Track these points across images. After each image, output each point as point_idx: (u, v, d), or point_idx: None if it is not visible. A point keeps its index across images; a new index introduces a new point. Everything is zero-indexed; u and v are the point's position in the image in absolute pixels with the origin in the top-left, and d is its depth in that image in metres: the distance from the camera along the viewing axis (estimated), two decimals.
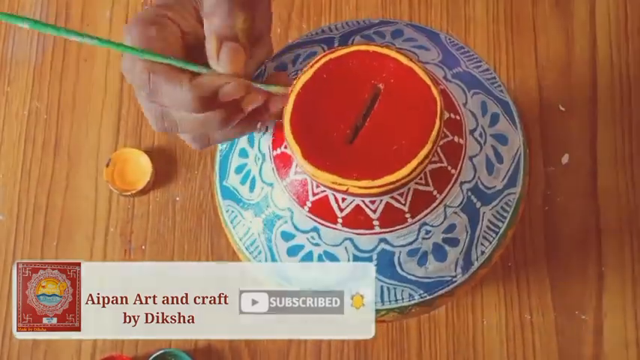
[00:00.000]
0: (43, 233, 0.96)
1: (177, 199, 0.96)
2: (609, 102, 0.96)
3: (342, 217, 0.62)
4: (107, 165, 0.95)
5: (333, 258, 0.64)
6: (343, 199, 0.61)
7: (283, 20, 0.99)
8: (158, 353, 0.91)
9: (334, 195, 0.61)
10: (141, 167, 0.96)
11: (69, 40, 0.99)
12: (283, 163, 0.63)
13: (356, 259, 0.64)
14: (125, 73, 0.59)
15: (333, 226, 0.62)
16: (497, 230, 0.67)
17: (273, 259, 0.67)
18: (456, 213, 0.64)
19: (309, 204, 0.62)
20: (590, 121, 0.96)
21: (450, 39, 0.71)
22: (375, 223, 0.62)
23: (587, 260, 0.93)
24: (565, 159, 0.95)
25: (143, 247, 0.95)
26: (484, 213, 0.66)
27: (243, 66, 0.58)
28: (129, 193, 0.95)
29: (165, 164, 0.97)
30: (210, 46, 0.58)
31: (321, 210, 0.62)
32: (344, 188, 0.58)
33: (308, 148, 0.58)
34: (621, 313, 0.91)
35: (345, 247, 0.63)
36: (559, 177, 0.95)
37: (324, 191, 0.61)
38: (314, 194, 0.62)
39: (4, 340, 0.93)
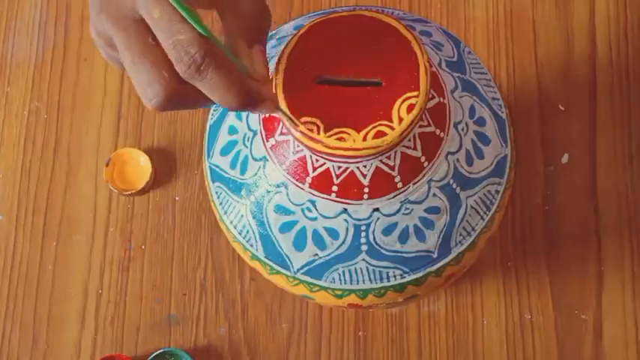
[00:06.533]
0: (43, 233, 0.96)
1: (177, 198, 0.96)
2: (609, 102, 0.96)
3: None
4: (107, 165, 0.95)
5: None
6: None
7: (284, 20, 0.99)
8: (158, 352, 0.90)
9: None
10: (140, 167, 0.96)
11: (68, 39, 0.99)
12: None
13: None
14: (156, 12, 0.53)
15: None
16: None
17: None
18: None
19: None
20: (589, 120, 0.96)
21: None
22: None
23: (587, 260, 0.93)
24: (565, 159, 0.95)
25: (143, 246, 0.95)
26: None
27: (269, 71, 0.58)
28: (128, 193, 0.95)
29: (165, 164, 0.97)
30: (239, 48, 0.56)
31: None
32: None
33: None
34: (621, 312, 0.91)
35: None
36: (559, 176, 0.95)
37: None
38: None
39: (4, 340, 0.93)
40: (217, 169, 0.70)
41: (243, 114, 0.67)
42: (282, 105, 0.59)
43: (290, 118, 0.58)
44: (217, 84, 0.53)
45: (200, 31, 0.52)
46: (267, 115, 0.63)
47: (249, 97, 0.55)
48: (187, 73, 0.52)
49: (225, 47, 0.54)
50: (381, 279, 0.67)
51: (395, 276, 0.67)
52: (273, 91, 0.58)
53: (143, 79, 0.53)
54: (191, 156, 0.97)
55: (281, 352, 0.92)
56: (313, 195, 0.63)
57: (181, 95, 0.54)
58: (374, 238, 0.64)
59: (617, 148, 0.95)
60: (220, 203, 0.70)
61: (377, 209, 0.63)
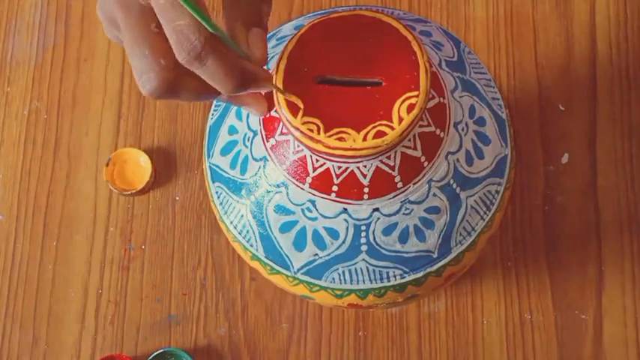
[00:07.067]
0: (43, 233, 0.96)
1: (177, 198, 0.96)
2: (609, 101, 0.96)
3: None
4: (107, 164, 0.95)
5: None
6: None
7: (284, 20, 0.99)
8: (158, 352, 0.90)
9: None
10: (141, 167, 0.96)
11: (69, 39, 0.99)
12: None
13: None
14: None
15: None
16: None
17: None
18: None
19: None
20: (589, 120, 0.96)
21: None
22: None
23: (587, 260, 0.92)
24: (565, 158, 0.95)
25: (143, 246, 0.95)
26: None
27: (267, 53, 0.59)
28: (129, 193, 0.95)
29: (165, 164, 0.97)
30: (237, 30, 0.57)
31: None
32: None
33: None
34: (621, 312, 0.91)
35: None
36: (559, 176, 0.95)
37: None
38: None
39: (4, 340, 0.93)
40: (217, 169, 0.70)
41: (244, 113, 0.67)
42: (281, 101, 0.59)
43: (280, 91, 0.59)
44: (216, 70, 0.54)
45: (198, 18, 0.52)
46: (267, 115, 0.63)
47: (246, 80, 0.56)
48: (187, 60, 0.53)
49: (222, 33, 0.54)
50: (381, 279, 0.67)
51: (395, 276, 0.67)
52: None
53: (140, 64, 0.54)
54: (191, 156, 0.97)
55: (281, 352, 0.92)
56: (313, 195, 0.63)
57: (176, 84, 0.55)
58: (374, 238, 0.64)
59: (617, 148, 0.95)
60: (220, 203, 0.70)
61: (377, 209, 0.63)
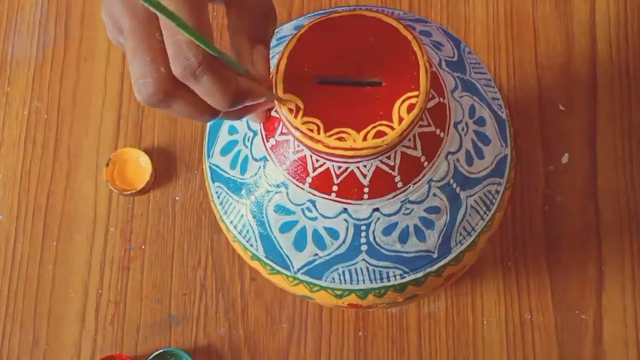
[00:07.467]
0: (43, 233, 0.96)
1: (177, 198, 0.96)
2: (609, 101, 0.96)
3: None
4: (107, 165, 0.95)
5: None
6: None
7: (284, 20, 0.99)
8: (158, 352, 0.90)
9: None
10: (141, 167, 0.96)
11: (69, 39, 0.99)
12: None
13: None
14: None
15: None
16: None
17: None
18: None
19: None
20: (589, 120, 0.96)
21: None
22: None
23: (587, 260, 0.92)
24: (565, 158, 0.95)
25: (143, 246, 0.95)
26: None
27: (270, 70, 0.59)
28: (129, 193, 0.95)
29: (165, 164, 0.97)
30: (242, 46, 0.57)
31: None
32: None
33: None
34: (621, 312, 0.91)
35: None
36: (559, 176, 0.95)
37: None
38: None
39: (4, 340, 0.93)
40: (217, 169, 0.70)
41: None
42: (279, 105, 0.59)
43: (282, 101, 0.59)
44: (210, 87, 0.53)
45: (193, 39, 0.51)
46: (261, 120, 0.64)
47: (240, 97, 0.55)
48: (182, 75, 0.53)
49: (220, 52, 0.53)
50: (381, 279, 0.67)
51: (395, 276, 0.67)
52: (273, 91, 0.60)
53: (139, 69, 0.53)
54: (191, 156, 0.97)
55: (281, 352, 0.92)
56: (313, 195, 0.63)
57: (172, 95, 0.54)
58: (374, 238, 0.64)
59: (618, 148, 0.95)
60: (220, 203, 0.70)
61: (377, 209, 0.63)
